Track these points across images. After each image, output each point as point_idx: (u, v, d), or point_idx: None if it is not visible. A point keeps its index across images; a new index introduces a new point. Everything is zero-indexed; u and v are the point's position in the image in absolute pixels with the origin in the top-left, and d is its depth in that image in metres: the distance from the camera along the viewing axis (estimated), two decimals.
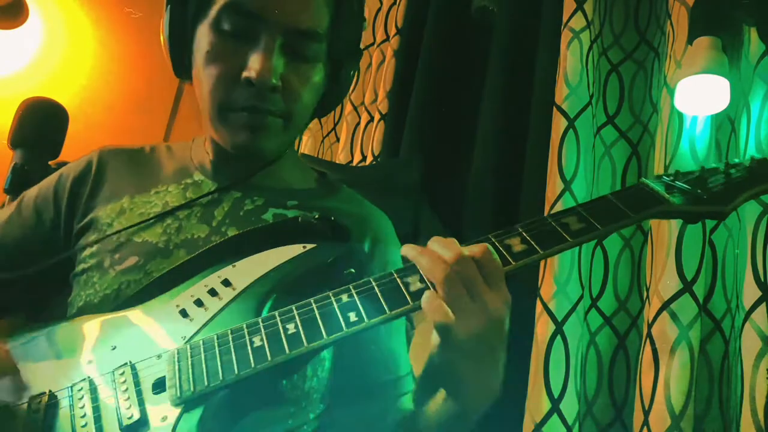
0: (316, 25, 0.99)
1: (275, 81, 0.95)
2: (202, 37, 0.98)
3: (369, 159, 1.93)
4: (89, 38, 2.70)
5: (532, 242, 0.80)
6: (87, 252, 1.03)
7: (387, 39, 2.11)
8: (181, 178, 1.10)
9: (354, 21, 1.06)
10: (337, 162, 2.09)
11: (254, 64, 0.94)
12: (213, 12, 0.96)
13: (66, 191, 1.10)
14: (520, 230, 0.82)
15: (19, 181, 1.49)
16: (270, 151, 1.04)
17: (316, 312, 0.78)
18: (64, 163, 1.36)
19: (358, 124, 2.12)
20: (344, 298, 0.78)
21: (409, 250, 0.79)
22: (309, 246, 0.91)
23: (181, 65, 1.04)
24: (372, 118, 2.04)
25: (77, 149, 1.20)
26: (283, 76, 0.97)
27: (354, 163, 2.03)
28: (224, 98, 0.97)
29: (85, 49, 2.69)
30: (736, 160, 0.90)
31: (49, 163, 1.57)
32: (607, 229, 0.81)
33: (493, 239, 0.81)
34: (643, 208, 0.83)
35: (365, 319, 0.76)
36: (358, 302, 0.78)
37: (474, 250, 0.76)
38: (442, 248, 0.77)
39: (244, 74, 0.95)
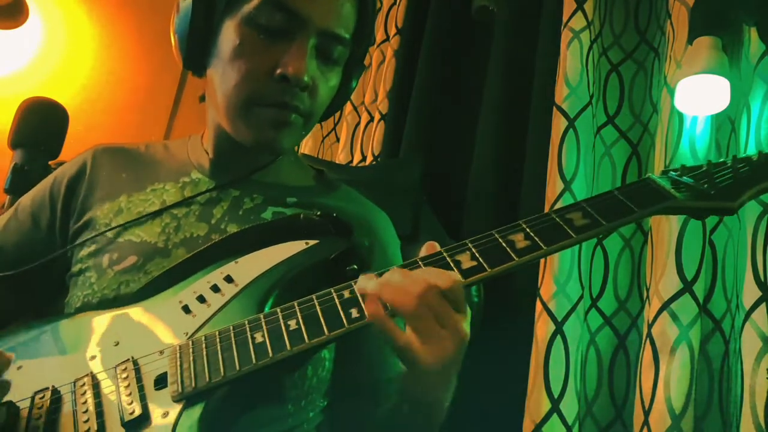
0: (346, 30, 1.00)
1: (307, 80, 0.96)
2: (231, 31, 0.98)
3: (369, 159, 1.93)
4: (89, 38, 2.70)
5: (536, 238, 0.79)
6: (84, 252, 1.03)
7: (387, 39, 2.11)
8: (178, 177, 1.09)
9: (369, 33, 1.08)
10: (337, 162, 2.09)
11: (291, 61, 0.95)
12: (248, 7, 0.96)
13: (61, 192, 1.09)
14: (524, 226, 0.81)
15: (19, 181, 1.49)
16: (286, 149, 1.05)
17: (318, 308, 0.78)
18: (64, 164, 1.36)
19: (358, 124, 2.12)
20: (346, 294, 0.78)
21: (367, 283, 0.78)
22: (311, 242, 0.91)
23: (196, 59, 1.04)
24: (372, 118, 2.04)
25: (77, 149, 1.19)
26: (312, 76, 0.98)
27: (354, 163, 2.03)
28: (253, 92, 0.97)
29: (85, 49, 2.69)
30: (744, 155, 0.88)
31: (49, 163, 1.57)
32: (612, 225, 0.80)
33: (497, 235, 0.80)
34: (649, 204, 0.82)
35: (367, 316, 0.76)
36: (359, 299, 0.77)
37: (442, 280, 0.76)
38: (410, 281, 0.76)
39: (279, 70, 0.95)
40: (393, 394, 0.92)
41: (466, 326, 0.77)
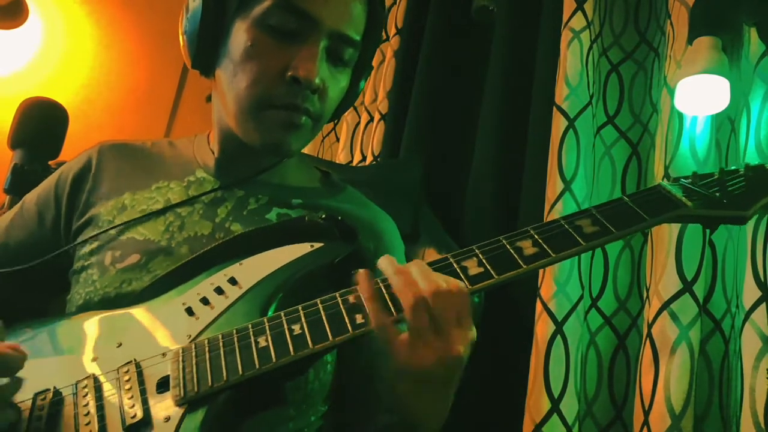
0: (357, 32, 1.00)
1: (318, 82, 0.96)
2: (241, 33, 0.97)
3: (369, 159, 1.93)
4: (89, 38, 2.69)
5: (544, 245, 0.78)
6: (86, 249, 1.03)
7: (387, 39, 2.11)
8: (183, 175, 1.09)
9: (378, 34, 1.08)
10: (337, 162, 2.09)
11: (302, 63, 0.94)
12: (259, 8, 0.96)
13: (66, 189, 1.09)
14: (532, 232, 0.80)
15: (19, 181, 1.49)
16: (295, 151, 1.04)
17: (323, 313, 0.77)
18: (64, 163, 1.36)
19: (358, 124, 2.12)
20: (351, 299, 0.78)
21: (386, 265, 0.77)
22: (316, 245, 0.90)
23: (205, 59, 1.03)
24: (372, 118, 2.04)
25: (77, 149, 1.20)
26: (323, 78, 0.97)
27: (354, 163, 2.03)
28: (264, 94, 0.97)
29: (85, 49, 2.68)
30: (755, 163, 0.87)
31: (49, 163, 1.57)
32: (621, 233, 0.79)
33: (504, 241, 0.79)
34: (659, 212, 0.80)
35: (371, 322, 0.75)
36: (364, 304, 0.76)
37: (452, 284, 0.74)
38: (421, 275, 0.74)
39: (290, 72, 0.95)
40: (383, 414, 0.89)
41: (464, 346, 0.74)
